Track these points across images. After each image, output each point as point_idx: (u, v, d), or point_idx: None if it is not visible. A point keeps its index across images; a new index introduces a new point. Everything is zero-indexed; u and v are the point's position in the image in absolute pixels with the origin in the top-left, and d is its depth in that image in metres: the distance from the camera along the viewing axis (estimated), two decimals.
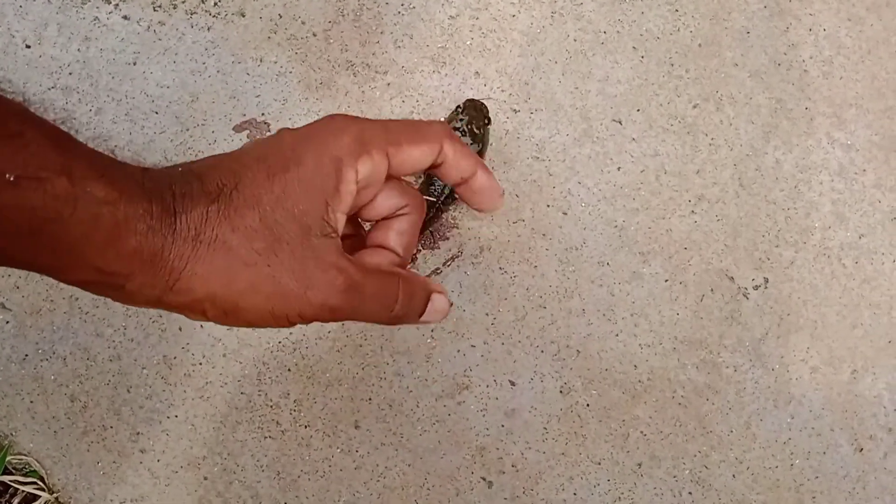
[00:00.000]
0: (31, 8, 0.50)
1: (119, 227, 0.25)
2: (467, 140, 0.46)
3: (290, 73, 0.50)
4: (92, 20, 0.50)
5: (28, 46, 0.49)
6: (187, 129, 0.49)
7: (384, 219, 0.31)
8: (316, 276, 0.29)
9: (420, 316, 0.31)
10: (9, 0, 0.50)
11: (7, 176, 0.23)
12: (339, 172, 0.29)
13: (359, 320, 0.29)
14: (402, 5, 0.51)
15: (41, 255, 0.25)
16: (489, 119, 0.48)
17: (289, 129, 0.29)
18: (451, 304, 0.32)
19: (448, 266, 0.49)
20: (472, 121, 0.47)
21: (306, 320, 0.28)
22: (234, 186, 0.28)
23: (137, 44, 0.50)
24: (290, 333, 0.48)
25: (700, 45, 0.52)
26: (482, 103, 0.48)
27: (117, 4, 0.50)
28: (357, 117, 0.29)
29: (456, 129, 0.46)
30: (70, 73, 0.49)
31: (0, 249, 0.24)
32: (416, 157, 0.29)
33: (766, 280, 0.50)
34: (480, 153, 0.47)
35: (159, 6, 0.51)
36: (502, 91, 0.51)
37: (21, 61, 0.49)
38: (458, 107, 0.48)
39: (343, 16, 0.50)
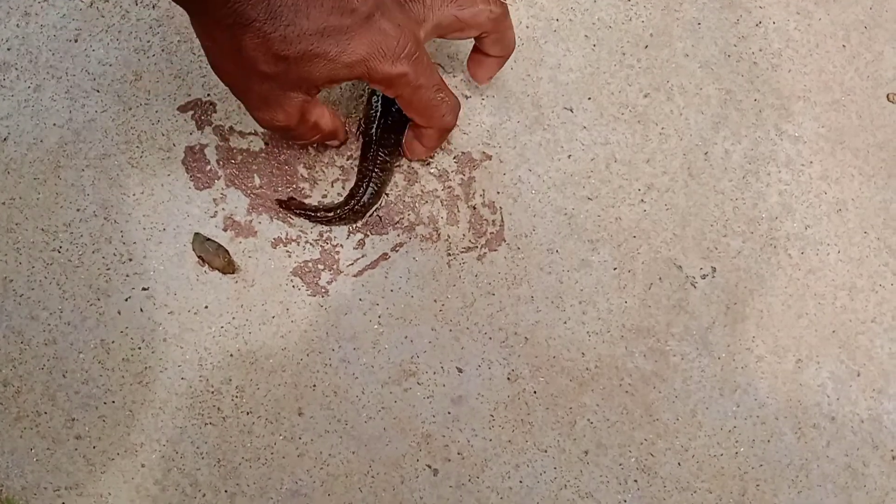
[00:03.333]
0: None
1: None
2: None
3: None
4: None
5: None
6: (130, 109, 0.50)
7: None
8: (268, 109, 0.43)
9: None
10: None
11: None
12: (361, 78, 0.42)
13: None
14: None
15: None
16: None
17: (374, 1, 0.40)
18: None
19: (396, 251, 0.51)
20: None
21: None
22: (299, 9, 0.38)
23: (79, 20, 0.51)
24: (233, 318, 0.49)
25: (651, 34, 0.54)
26: None
27: None
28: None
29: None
30: (8, 49, 0.50)
31: None
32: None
33: (714, 269, 0.52)
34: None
35: None
36: (453, 77, 0.53)
37: None
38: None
39: None
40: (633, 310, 0.52)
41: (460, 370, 0.50)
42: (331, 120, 0.47)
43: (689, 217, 0.53)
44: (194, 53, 0.51)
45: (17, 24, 0.51)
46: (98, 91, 0.50)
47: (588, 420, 0.50)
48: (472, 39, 0.47)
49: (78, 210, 0.49)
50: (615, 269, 0.52)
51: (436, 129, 0.47)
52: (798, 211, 0.54)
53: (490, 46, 0.47)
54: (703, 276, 0.52)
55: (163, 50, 0.52)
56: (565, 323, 0.51)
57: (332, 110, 0.47)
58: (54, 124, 0.50)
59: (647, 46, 0.54)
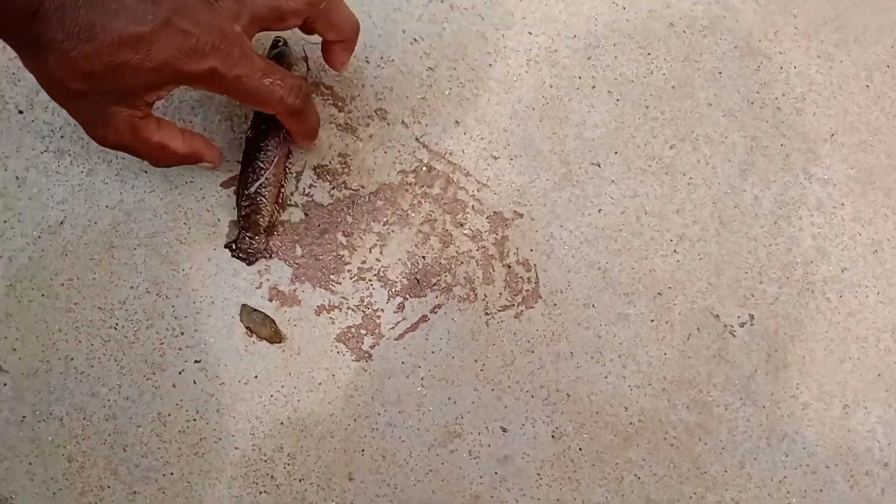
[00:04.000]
0: (24, 75, 0.54)
1: None
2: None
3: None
4: None
5: (20, 112, 0.54)
6: (176, 188, 0.53)
7: None
8: (97, 127, 0.45)
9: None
10: (2, 68, 0.55)
11: None
12: (176, 83, 0.44)
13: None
14: (382, 59, 0.55)
15: None
16: (279, 42, 0.52)
17: (169, 4, 0.42)
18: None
19: (435, 313, 0.53)
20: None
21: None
22: (92, 24, 0.40)
23: None
24: (282, 386, 0.51)
25: (673, 86, 0.56)
26: (280, 37, 0.53)
27: None
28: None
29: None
30: (62, 137, 0.54)
31: None
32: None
33: (752, 317, 0.53)
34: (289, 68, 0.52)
35: None
36: (482, 139, 0.55)
37: (14, 126, 0.54)
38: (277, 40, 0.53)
39: (325, 71, 0.55)
40: (673, 361, 0.52)
41: (504, 429, 0.51)
42: (184, 141, 0.48)
43: (724, 265, 0.54)
44: (233, 131, 0.54)
45: None
46: (146, 172, 0.53)
47: (635, 475, 0.51)
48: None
49: (132, 287, 0.52)
50: (652, 321, 0.53)
51: (284, 114, 0.48)
52: (833, 254, 0.54)
53: (325, 31, 0.48)
54: (742, 325, 0.53)
55: (204, 129, 0.55)
56: (606, 378, 0.52)
57: (189, 132, 0.49)
58: (107, 206, 0.53)
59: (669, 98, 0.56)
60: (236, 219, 0.53)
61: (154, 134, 0.46)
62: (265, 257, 0.53)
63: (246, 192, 0.52)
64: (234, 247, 0.53)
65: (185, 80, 0.44)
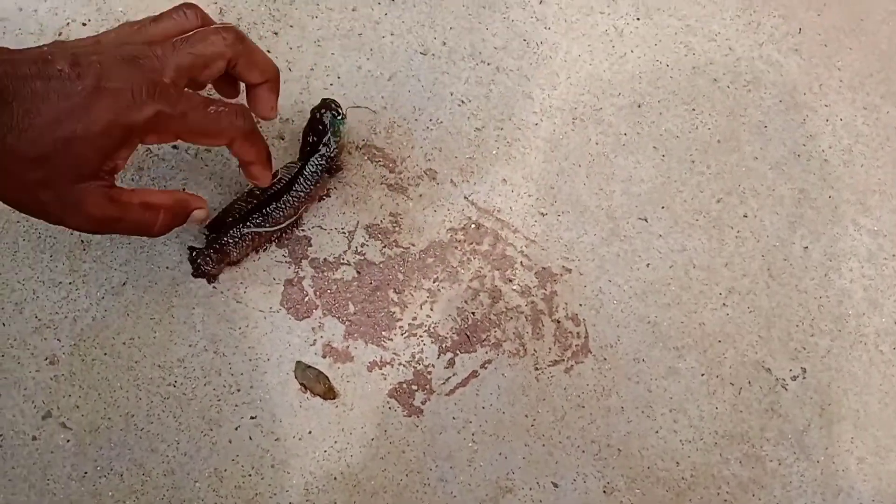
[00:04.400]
0: None
1: None
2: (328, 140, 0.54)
3: (330, 187, 0.56)
4: (143, 150, 0.57)
5: None
6: None
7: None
8: (75, 211, 0.44)
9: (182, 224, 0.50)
10: None
11: None
12: (128, 141, 0.45)
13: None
14: (431, 121, 0.57)
15: None
16: (338, 111, 0.54)
17: (93, 72, 0.43)
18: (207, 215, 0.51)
19: (485, 368, 0.54)
20: (323, 116, 0.53)
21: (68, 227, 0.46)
22: (28, 111, 0.41)
23: (186, 170, 0.57)
24: (335, 442, 0.52)
25: (719, 140, 0.57)
26: (331, 99, 0.54)
27: None
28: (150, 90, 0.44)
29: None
30: None
31: None
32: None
33: (804, 370, 0.53)
34: (336, 145, 0.54)
35: None
36: (529, 196, 0.56)
37: None
38: (312, 109, 0.54)
39: (375, 134, 0.57)
40: (724, 415, 0.53)
41: (556, 485, 0.52)
42: (165, 194, 0.49)
43: (774, 318, 0.54)
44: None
45: (132, 178, 0.57)
46: (205, 234, 0.56)
47: None
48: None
49: (190, 346, 0.54)
50: (703, 374, 0.53)
51: (239, 139, 0.48)
52: (885, 305, 0.54)
53: (248, 73, 0.48)
54: (794, 378, 0.53)
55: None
56: (657, 432, 0.52)
57: (163, 190, 0.50)
58: (167, 267, 0.55)
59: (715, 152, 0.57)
60: (207, 232, 0.54)
61: (132, 197, 0.47)
62: (210, 281, 0.55)
63: (241, 231, 0.53)
64: (195, 255, 0.54)
65: (136, 134, 0.44)
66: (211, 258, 0.54)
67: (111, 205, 0.45)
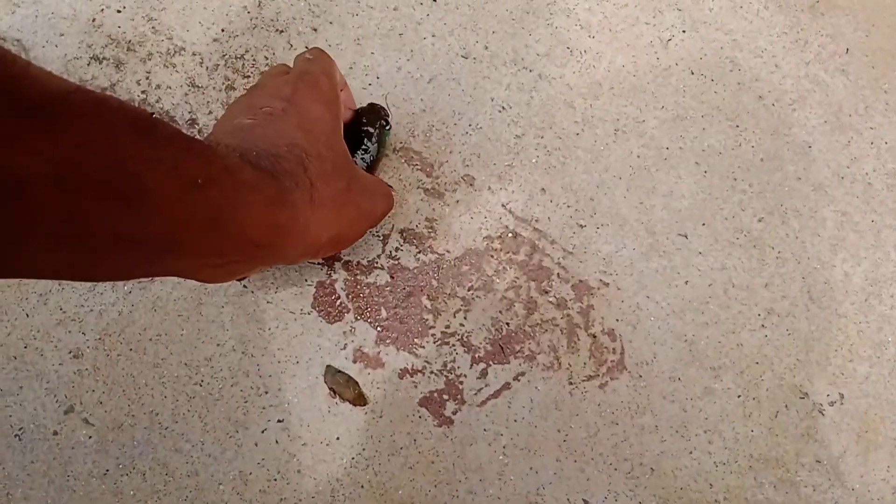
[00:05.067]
0: None
1: (268, 204, 0.38)
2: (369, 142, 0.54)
3: None
4: None
5: None
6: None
7: None
8: (376, 194, 0.49)
9: None
10: None
11: (198, 180, 0.31)
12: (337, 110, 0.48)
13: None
14: (470, 126, 0.57)
15: (215, 241, 0.34)
16: (387, 121, 0.54)
17: (307, 100, 0.46)
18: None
19: (518, 381, 0.53)
20: (369, 122, 0.53)
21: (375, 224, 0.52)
22: (314, 156, 0.43)
23: None
24: (364, 449, 0.52)
25: (762, 159, 0.57)
26: (380, 106, 0.54)
27: (201, 129, 0.57)
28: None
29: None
30: None
31: (189, 242, 0.33)
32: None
33: (842, 396, 0.53)
34: (377, 154, 0.54)
35: None
36: (568, 207, 0.56)
37: None
38: (358, 110, 0.54)
39: (413, 137, 0.56)
40: (759, 439, 0.52)
41: (586, 502, 0.51)
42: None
43: (813, 342, 0.54)
44: None
45: None
46: None
47: None
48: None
49: (218, 345, 0.54)
50: (739, 396, 0.53)
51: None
52: None
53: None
54: (832, 403, 0.53)
55: None
56: (691, 453, 0.52)
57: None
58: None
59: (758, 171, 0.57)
60: None
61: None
62: (241, 279, 0.53)
63: None
64: None
65: (337, 102, 0.48)
66: None
67: (369, 177, 0.50)
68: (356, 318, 0.54)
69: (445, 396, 0.53)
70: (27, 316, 0.54)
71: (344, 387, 0.53)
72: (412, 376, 0.53)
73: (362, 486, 0.52)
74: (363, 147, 0.53)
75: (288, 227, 0.39)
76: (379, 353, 0.54)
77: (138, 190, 0.29)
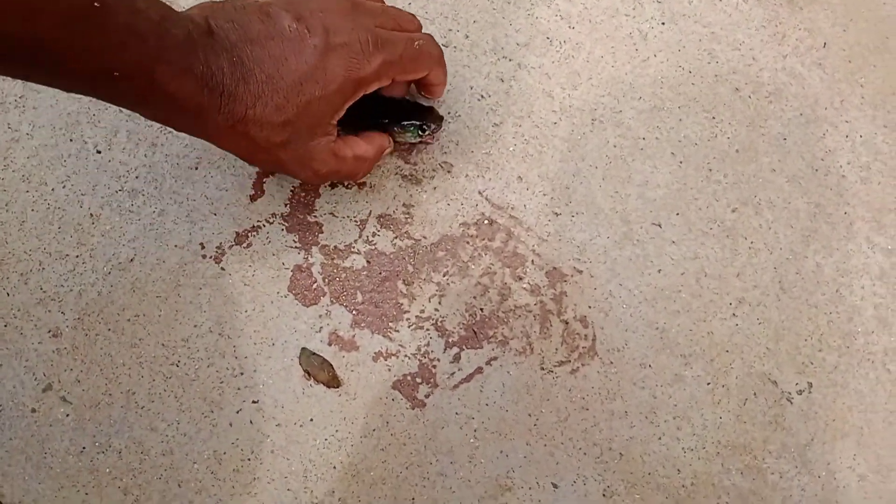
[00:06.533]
0: (104, 116, 0.58)
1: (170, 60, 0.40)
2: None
3: None
4: (159, 127, 0.59)
5: (98, 152, 0.58)
6: (244, 230, 0.57)
7: None
8: (307, 167, 0.49)
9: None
10: (83, 109, 0.59)
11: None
12: (356, 93, 0.48)
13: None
14: (449, 113, 0.58)
15: (107, 55, 0.37)
16: (428, 127, 0.56)
17: (320, 28, 0.46)
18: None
19: (491, 365, 0.55)
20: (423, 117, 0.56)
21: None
22: (270, 77, 0.43)
23: (200, 149, 0.58)
24: (336, 431, 0.54)
25: (737, 150, 0.58)
26: (439, 115, 0.56)
27: None
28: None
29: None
30: (136, 177, 0.57)
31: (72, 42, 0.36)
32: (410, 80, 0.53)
33: (810, 385, 0.54)
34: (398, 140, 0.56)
35: None
36: (544, 195, 0.57)
37: (92, 165, 0.57)
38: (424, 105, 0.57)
39: None
40: (728, 426, 0.54)
41: (555, 486, 0.53)
42: (366, 145, 0.52)
43: (783, 331, 0.55)
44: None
45: (145, 154, 0.58)
46: (215, 214, 0.57)
47: None
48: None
49: (195, 326, 0.55)
50: (709, 384, 0.55)
51: (435, 68, 0.53)
52: (895, 324, 0.56)
53: (428, 83, 0.55)
54: (800, 392, 0.55)
55: (274, 173, 0.58)
56: (660, 439, 0.54)
57: (360, 135, 0.53)
58: (176, 245, 0.56)
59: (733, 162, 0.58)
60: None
61: (348, 151, 0.51)
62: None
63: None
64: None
65: (363, 85, 0.48)
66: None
67: (333, 159, 0.50)
68: (332, 302, 0.56)
69: (419, 380, 0.55)
70: (8, 295, 0.56)
71: (318, 369, 0.55)
72: (386, 359, 0.55)
73: (334, 467, 0.54)
74: (417, 123, 0.55)
75: (186, 97, 0.41)
76: (354, 336, 0.56)
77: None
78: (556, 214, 0.58)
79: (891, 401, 0.55)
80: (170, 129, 0.59)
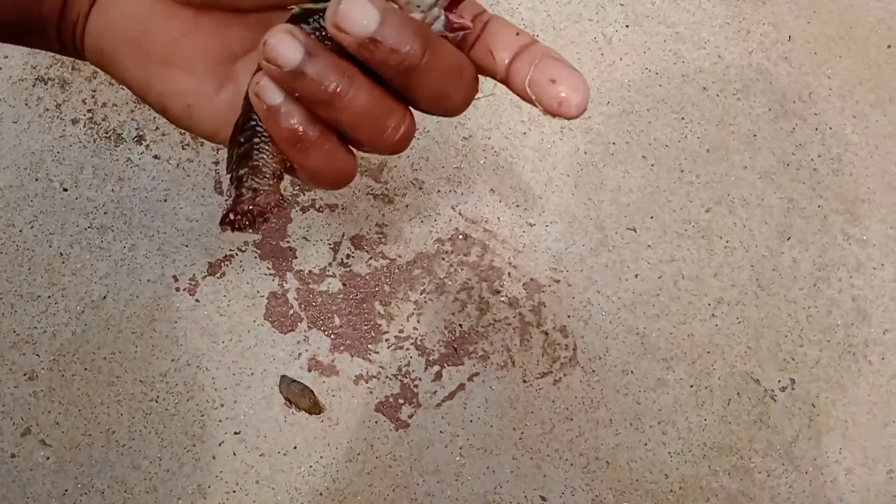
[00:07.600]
0: (68, 154, 0.58)
1: None
2: None
3: (315, 198, 0.58)
4: (125, 161, 0.59)
5: (65, 189, 0.58)
6: (217, 261, 0.57)
7: None
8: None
9: None
10: (47, 147, 0.59)
11: None
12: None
13: None
14: (418, 130, 0.59)
15: None
16: None
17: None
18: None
19: (473, 381, 0.55)
20: None
21: None
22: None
23: (168, 181, 0.58)
24: (321, 457, 0.54)
25: (708, 150, 0.59)
26: None
27: (148, 145, 0.59)
28: None
29: None
30: (105, 213, 0.57)
31: None
32: None
33: (793, 381, 0.55)
34: None
35: (187, 144, 0.59)
36: (517, 206, 0.58)
37: (59, 204, 0.57)
38: None
39: None
40: (713, 427, 0.55)
41: (544, 498, 0.54)
42: None
43: (763, 329, 0.56)
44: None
45: (112, 189, 0.58)
46: (187, 246, 0.57)
47: None
48: None
49: (172, 360, 0.56)
50: (692, 386, 0.55)
51: None
52: (874, 316, 0.56)
53: None
54: (783, 389, 0.55)
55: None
56: (646, 444, 0.54)
57: None
58: (148, 280, 0.57)
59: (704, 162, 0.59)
60: (229, 175, 0.30)
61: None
62: (281, 209, 0.30)
63: (244, 127, 0.30)
64: (231, 207, 0.30)
65: None
66: (252, 180, 0.29)
67: None
68: (309, 327, 0.56)
69: (401, 400, 0.55)
70: None
71: (299, 396, 0.55)
72: (367, 382, 0.56)
73: (321, 494, 0.54)
74: None
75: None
76: (333, 360, 0.56)
77: None
78: (531, 225, 0.58)
79: (873, 392, 0.55)
80: (136, 163, 0.59)
